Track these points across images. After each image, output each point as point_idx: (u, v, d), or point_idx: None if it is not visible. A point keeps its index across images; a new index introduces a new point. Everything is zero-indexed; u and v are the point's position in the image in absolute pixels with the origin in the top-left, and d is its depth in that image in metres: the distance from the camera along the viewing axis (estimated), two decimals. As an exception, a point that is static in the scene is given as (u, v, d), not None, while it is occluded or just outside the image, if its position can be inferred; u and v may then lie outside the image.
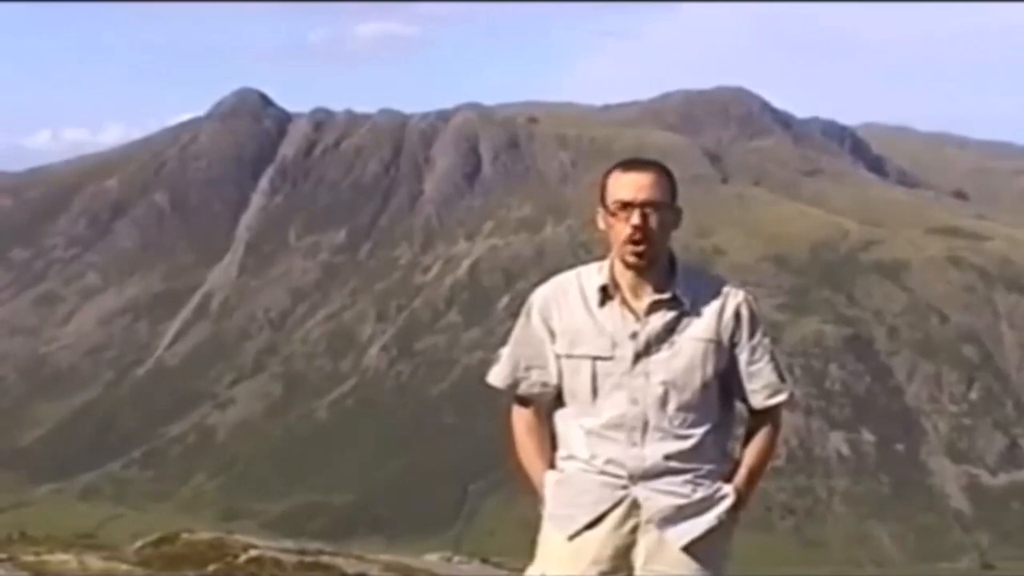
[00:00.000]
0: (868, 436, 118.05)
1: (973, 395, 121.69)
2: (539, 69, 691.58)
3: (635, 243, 3.91)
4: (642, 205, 3.90)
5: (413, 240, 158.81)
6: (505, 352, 4.13)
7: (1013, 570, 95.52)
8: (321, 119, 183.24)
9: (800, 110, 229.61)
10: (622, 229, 3.92)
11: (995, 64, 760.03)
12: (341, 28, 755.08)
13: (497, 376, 4.13)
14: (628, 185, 3.94)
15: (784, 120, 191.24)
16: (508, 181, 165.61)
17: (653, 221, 3.90)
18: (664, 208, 3.94)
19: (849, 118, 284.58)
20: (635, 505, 3.95)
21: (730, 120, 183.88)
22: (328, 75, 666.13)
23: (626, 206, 3.91)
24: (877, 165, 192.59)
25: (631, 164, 4.02)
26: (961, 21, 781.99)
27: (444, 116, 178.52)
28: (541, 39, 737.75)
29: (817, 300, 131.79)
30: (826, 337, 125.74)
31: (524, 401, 4.15)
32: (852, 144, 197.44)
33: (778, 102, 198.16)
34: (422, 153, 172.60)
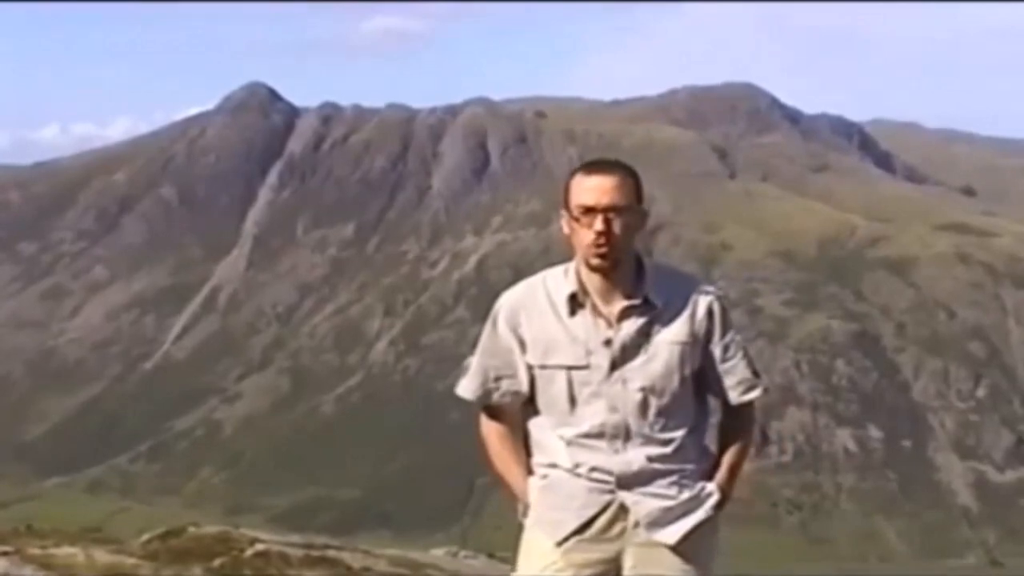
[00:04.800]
0: (875, 432, 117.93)
1: (980, 391, 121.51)
2: (547, 64, 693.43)
3: (598, 246, 3.82)
4: (605, 210, 3.81)
5: (421, 235, 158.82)
6: (473, 363, 4.04)
7: (1020, 567, 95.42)
8: (329, 114, 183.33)
9: (808, 106, 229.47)
10: (586, 234, 3.83)
11: (1004, 61, 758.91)
12: (349, 23, 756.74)
13: (467, 389, 4.04)
14: (591, 189, 3.82)
15: (792, 116, 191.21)
16: (516, 176, 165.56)
17: (617, 226, 3.82)
18: (628, 211, 3.84)
19: (857, 114, 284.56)
20: (623, 509, 3.91)
21: (738, 116, 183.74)
22: (336, 70, 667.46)
23: (589, 211, 3.82)
24: (885, 161, 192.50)
25: (594, 167, 3.90)
26: (969, 18, 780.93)
27: (452, 111, 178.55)
28: (549, 34, 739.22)
29: (824, 296, 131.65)
30: (833, 333, 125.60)
31: (493, 411, 4.09)
32: (860, 140, 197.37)
33: (786, 98, 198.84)
34: (430, 148, 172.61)
